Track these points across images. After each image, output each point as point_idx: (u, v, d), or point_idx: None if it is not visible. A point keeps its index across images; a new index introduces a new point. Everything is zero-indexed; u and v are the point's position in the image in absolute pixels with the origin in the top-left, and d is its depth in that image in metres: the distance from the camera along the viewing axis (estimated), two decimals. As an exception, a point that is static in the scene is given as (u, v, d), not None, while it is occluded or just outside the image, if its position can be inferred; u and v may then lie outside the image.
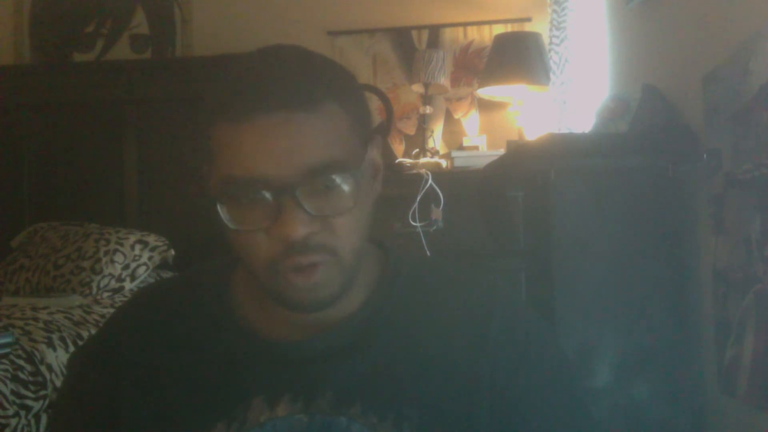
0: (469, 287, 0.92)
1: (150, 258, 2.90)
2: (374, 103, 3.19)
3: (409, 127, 3.41)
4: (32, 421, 1.84)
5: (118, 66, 3.42)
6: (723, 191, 1.69)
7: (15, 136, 3.39)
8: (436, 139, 3.36)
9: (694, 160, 1.85)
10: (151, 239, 2.94)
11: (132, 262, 2.85)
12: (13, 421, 1.78)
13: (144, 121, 3.36)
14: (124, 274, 2.82)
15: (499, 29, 3.31)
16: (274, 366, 0.85)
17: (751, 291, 1.55)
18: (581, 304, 1.89)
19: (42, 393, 1.90)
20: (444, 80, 3.23)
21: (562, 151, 1.96)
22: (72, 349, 2.07)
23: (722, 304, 1.69)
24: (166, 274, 2.95)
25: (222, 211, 0.78)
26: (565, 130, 2.83)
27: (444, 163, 3.10)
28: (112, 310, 2.09)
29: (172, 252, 2.96)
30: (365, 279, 0.89)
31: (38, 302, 2.42)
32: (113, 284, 2.79)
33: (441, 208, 2.76)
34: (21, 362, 1.90)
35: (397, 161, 3.15)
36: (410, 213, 2.75)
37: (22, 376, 1.87)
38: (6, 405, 1.77)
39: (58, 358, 2.02)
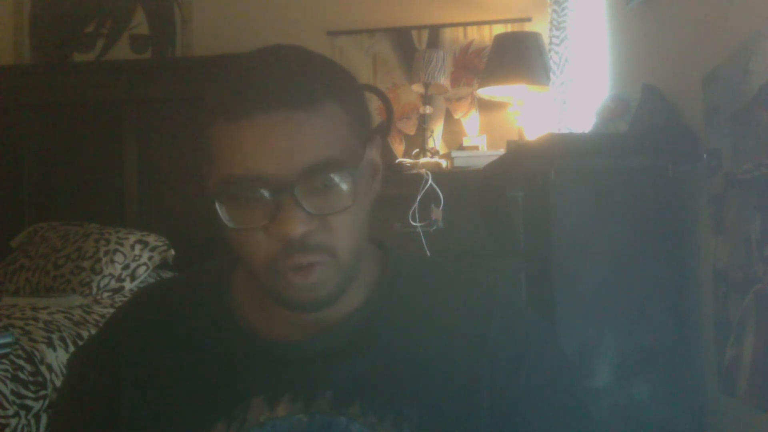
0: (469, 287, 0.92)
1: (150, 258, 2.90)
2: (374, 103, 3.20)
3: (409, 127, 3.41)
4: (32, 421, 1.84)
5: (118, 66, 3.42)
6: (723, 191, 1.69)
7: (15, 136, 3.39)
8: (436, 139, 3.36)
9: (694, 160, 1.85)
10: (151, 239, 2.94)
11: (132, 262, 2.85)
12: (13, 421, 1.78)
13: (144, 121, 3.36)
14: (124, 274, 2.82)
15: (499, 29, 3.32)
16: (274, 366, 0.85)
17: (751, 291, 1.55)
18: (581, 304, 1.89)
19: (42, 393, 1.90)
20: (444, 80, 3.23)
21: (562, 151, 1.96)
22: (72, 349, 2.07)
23: (722, 304, 1.69)
24: (166, 274, 2.95)
25: (221, 210, 0.78)
26: (565, 130, 2.83)
27: (444, 163, 3.10)
28: (112, 310, 2.09)
29: (172, 252, 2.97)
30: (365, 279, 0.89)
31: (38, 302, 2.42)
32: (113, 284, 2.79)
33: (441, 208, 2.76)
34: (21, 362, 1.90)
35: (397, 161, 3.15)
36: (410, 213, 2.76)
37: (22, 376, 1.87)
38: (6, 405, 1.77)
39: (58, 358, 2.02)
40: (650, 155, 1.91)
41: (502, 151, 2.92)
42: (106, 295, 2.75)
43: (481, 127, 3.37)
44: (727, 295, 1.67)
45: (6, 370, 1.83)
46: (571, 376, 0.92)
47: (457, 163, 3.04)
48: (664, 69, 2.12)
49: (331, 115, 0.78)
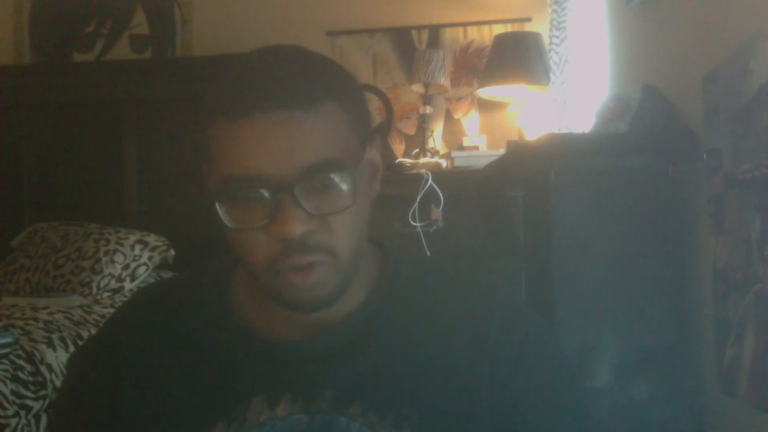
0: (469, 287, 0.92)
1: (150, 258, 2.90)
2: (374, 103, 3.20)
3: (409, 127, 3.41)
4: (32, 421, 1.84)
5: (118, 66, 3.42)
6: (723, 191, 1.69)
7: (15, 136, 3.39)
8: (436, 139, 3.36)
9: (694, 160, 1.85)
10: (151, 239, 2.94)
11: (132, 262, 2.85)
12: (13, 421, 1.78)
13: (144, 121, 3.36)
14: (124, 274, 2.82)
15: (499, 29, 3.32)
16: (274, 366, 0.85)
17: (751, 291, 1.55)
18: (581, 304, 1.89)
19: (42, 393, 1.90)
20: (444, 80, 3.23)
21: (562, 151, 1.96)
22: (72, 349, 2.07)
23: (722, 304, 1.69)
24: (166, 274, 2.95)
25: (221, 210, 0.79)
26: (565, 130, 2.83)
27: (444, 163, 3.10)
28: (112, 310, 2.09)
29: (172, 252, 2.97)
30: (365, 279, 0.89)
31: (38, 302, 2.42)
32: (113, 284, 2.79)
33: (441, 208, 2.76)
34: (21, 362, 1.90)
35: (397, 161, 3.15)
36: (410, 213, 2.76)
37: (22, 376, 1.87)
38: (6, 405, 1.77)
39: (58, 358, 2.02)
40: (650, 155, 1.91)
41: (502, 151, 2.92)
42: (106, 295, 2.75)
43: (481, 127, 3.37)
44: (727, 295, 1.67)
45: (6, 370, 1.83)
46: (571, 376, 0.92)
47: (457, 163, 3.04)
48: (664, 69, 2.12)
49: (331, 115, 0.78)
